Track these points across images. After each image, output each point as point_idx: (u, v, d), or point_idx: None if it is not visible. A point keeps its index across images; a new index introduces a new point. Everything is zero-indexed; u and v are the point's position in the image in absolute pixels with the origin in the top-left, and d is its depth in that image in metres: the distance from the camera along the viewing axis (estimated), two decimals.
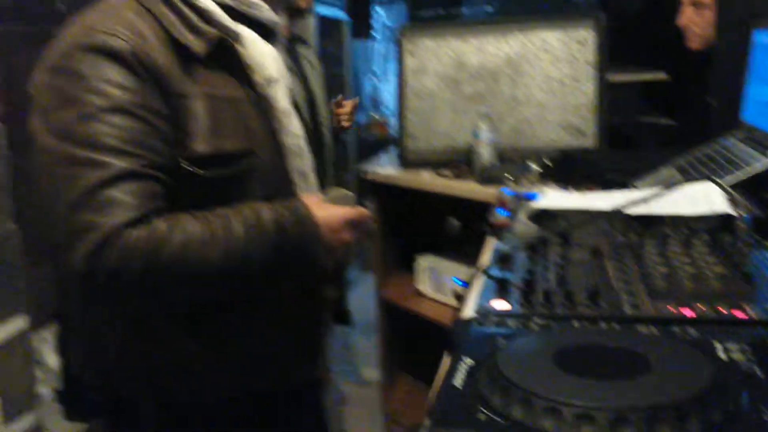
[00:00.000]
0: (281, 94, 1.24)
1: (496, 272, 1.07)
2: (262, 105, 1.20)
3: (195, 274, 1.03)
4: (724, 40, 1.84)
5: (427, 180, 2.41)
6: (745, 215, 1.16)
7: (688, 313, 0.87)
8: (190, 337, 1.16)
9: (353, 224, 1.20)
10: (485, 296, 0.99)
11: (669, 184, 1.30)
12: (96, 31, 1.05)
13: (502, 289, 1.01)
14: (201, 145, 1.09)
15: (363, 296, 3.18)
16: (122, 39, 1.05)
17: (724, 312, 0.87)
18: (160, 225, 1.00)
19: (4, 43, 1.84)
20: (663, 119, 2.50)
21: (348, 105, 2.68)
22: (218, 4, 1.16)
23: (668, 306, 0.90)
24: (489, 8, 6.87)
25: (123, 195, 0.98)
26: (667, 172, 1.58)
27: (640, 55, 2.77)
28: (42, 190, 1.02)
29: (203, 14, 1.14)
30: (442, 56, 2.49)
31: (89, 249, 0.95)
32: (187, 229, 1.02)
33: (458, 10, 6.96)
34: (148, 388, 1.19)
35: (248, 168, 1.15)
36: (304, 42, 2.57)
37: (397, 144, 2.65)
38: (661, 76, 2.66)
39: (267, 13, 1.23)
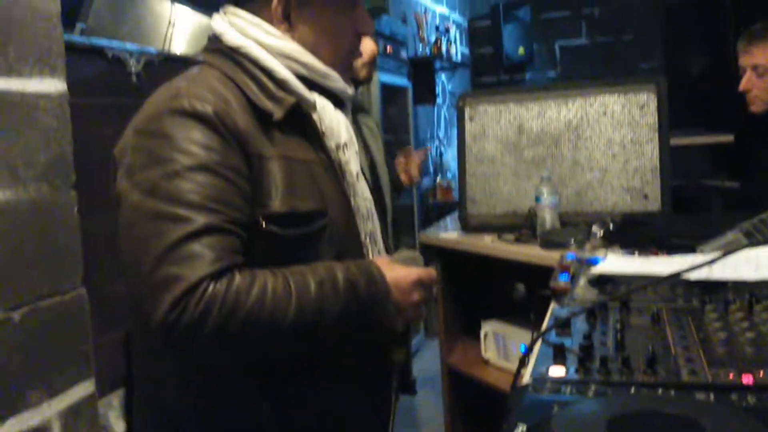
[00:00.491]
0: (352, 159, 1.31)
1: (553, 338, 1.07)
2: (335, 169, 1.27)
3: (270, 326, 1.06)
4: None
5: (489, 244, 2.41)
6: None
7: (747, 379, 0.85)
8: (263, 398, 1.17)
9: (422, 284, 1.23)
10: (542, 362, 0.99)
11: (731, 249, 1.28)
12: (183, 96, 1.13)
13: (559, 354, 1.00)
14: (277, 204, 1.15)
15: (428, 363, 3.16)
16: (207, 103, 1.12)
17: None
18: (240, 278, 1.05)
19: (85, 115, 1.95)
20: (728, 182, 2.46)
21: (415, 158, 2.74)
22: (294, 74, 1.24)
23: (728, 372, 0.88)
24: (552, 73, 6.96)
25: (205, 249, 1.03)
26: (732, 236, 1.55)
27: (705, 117, 2.76)
28: (128, 245, 1.08)
29: (280, 83, 1.22)
30: (503, 121, 2.52)
31: (173, 300, 1.00)
32: (265, 282, 1.07)
33: (522, 76, 7.07)
34: None
35: (321, 228, 1.19)
36: (364, 110, 2.65)
37: (459, 208, 2.67)
38: (725, 138, 2.63)
39: (338, 83, 1.31)
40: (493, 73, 6.99)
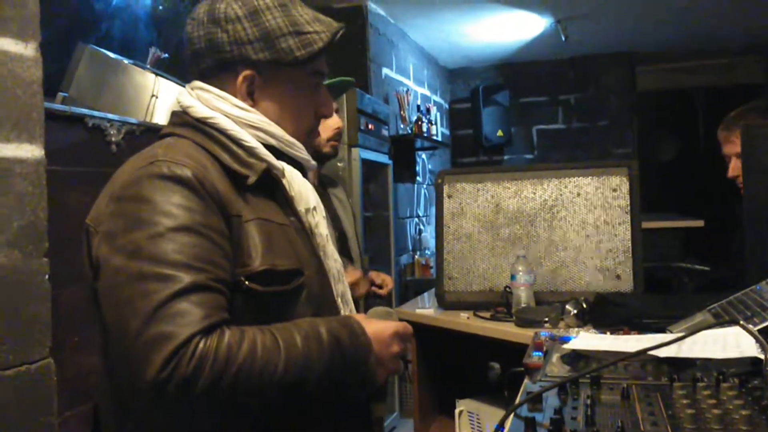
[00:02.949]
0: (321, 223, 1.36)
1: (525, 412, 1.07)
2: (305, 232, 1.31)
3: (261, 381, 1.06)
4: (753, 187, 1.87)
5: (465, 322, 2.41)
6: None
7: None
8: None
9: (400, 337, 1.25)
10: None
11: (697, 328, 1.30)
12: (161, 161, 1.15)
13: (530, 429, 1.00)
14: (258, 263, 1.17)
15: None
16: (186, 167, 1.15)
17: None
18: (230, 334, 1.05)
19: (63, 183, 1.95)
20: (698, 265, 2.50)
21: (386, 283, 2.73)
22: (261, 143, 1.28)
23: None
24: (530, 155, 7.11)
25: (193, 306, 1.04)
26: (701, 316, 1.57)
27: (676, 202, 2.83)
28: (113, 308, 1.07)
29: (250, 151, 1.26)
30: (480, 199, 2.56)
31: (165, 358, 0.99)
32: (254, 338, 1.07)
33: (500, 157, 7.21)
34: None
35: (298, 287, 1.22)
36: (333, 183, 2.68)
37: (436, 285, 2.68)
38: (696, 223, 2.68)
39: (303, 152, 1.37)
40: (472, 154, 7.13)
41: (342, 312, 1.34)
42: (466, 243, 2.56)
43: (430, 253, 5.78)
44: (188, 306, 1.03)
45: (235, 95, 1.29)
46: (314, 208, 1.34)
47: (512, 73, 7.05)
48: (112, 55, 2.47)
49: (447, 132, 7.18)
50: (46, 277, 1.70)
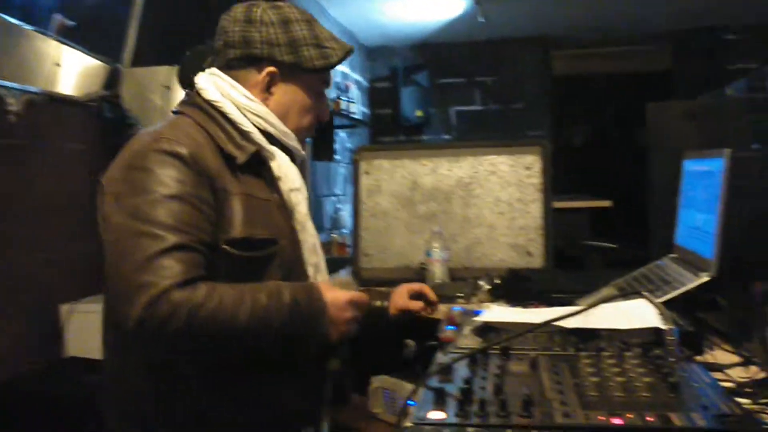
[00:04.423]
0: (302, 202, 1.57)
1: (435, 383, 1.08)
2: (286, 208, 1.53)
3: (226, 328, 1.28)
4: (657, 168, 1.94)
5: None
6: (674, 329, 1.20)
7: (617, 421, 0.89)
8: (214, 390, 1.39)
9: (354, 304, 1.47)
10: (424, 407, 0.99)
11: (603, 300, 1.34)
12: (164, 138, 1.38)
13: (439, 399, 1.01)
14: (237, 231, 1.39)
15: None
16: (183, 145, 1.37)
17: (651, 420, 0.88)
18: (202, 287, 1.27)
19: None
20: (606, 242, 2.58)
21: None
22: (258, 129, 1.50)
23: (599, 415, 0.91)
24: (448, 136, 7.16)
25: (175, 262, 1.26)
26: (607, 290, 1.62)
27: (586, 184, 2.91)
28: (112, 256, 1.29)
29: (245, 134, 1.49)
30: (397, 177, 2.57)
31: (146, 301, 1.21)
32: (223, 292, 1.28)
33: (419, 137, 7.24)
34: None
35: (272, 254, 1.44)
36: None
37: (352, 262, 2.68)
38: (605, 203, 2.76)
39: (295, 142, 1.59)
40: (391, 134, 7.14)
41: (313, 279, 1.55)
42: (382, 220, 2.56)
43: (347, 231, 5.77)
44: (171, 262, 1.25)
45: (254, 86, 1.52)
46: (297, 189, 1.56)
47: (432, 53, 7.07)
48: (11, 20, 2.35)
49: (367, 111, 7.16)
50: None
